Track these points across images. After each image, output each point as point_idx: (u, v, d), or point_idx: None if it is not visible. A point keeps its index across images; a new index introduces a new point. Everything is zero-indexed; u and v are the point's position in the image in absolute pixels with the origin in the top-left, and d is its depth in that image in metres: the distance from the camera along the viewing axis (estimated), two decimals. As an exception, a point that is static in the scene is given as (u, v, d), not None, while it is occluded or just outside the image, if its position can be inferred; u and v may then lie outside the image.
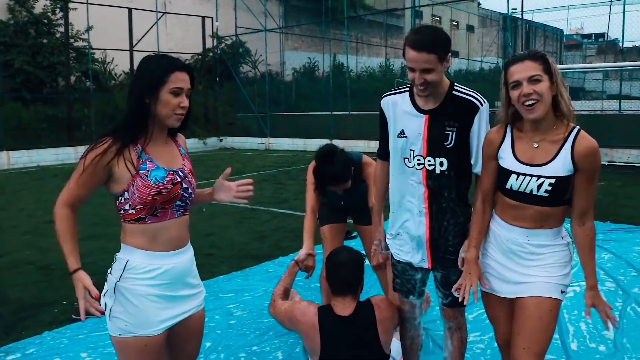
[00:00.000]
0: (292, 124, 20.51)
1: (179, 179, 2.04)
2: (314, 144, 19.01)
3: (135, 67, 18.32)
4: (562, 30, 43.09)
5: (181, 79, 1.98)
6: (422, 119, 2.40)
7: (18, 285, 5.03)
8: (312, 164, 3.52)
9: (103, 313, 2.00)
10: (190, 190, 2.11)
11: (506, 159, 2.21)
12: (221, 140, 21.43)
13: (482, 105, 2.36)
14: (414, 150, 2.44)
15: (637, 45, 31.12)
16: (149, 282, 2.00)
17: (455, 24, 39.64)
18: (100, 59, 19.96)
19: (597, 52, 37.44)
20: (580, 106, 18.59)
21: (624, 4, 17.06)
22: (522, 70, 2.10)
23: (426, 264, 2.55)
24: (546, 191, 2.12)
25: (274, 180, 11.74)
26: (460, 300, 2.35)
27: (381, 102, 2.56)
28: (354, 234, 5.88)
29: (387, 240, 2.76)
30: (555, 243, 2.23)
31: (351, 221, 3.92)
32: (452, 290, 2.41)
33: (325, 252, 3.63)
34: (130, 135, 1.96)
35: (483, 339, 3.62)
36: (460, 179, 2.44)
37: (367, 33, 31.29)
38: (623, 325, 3.76)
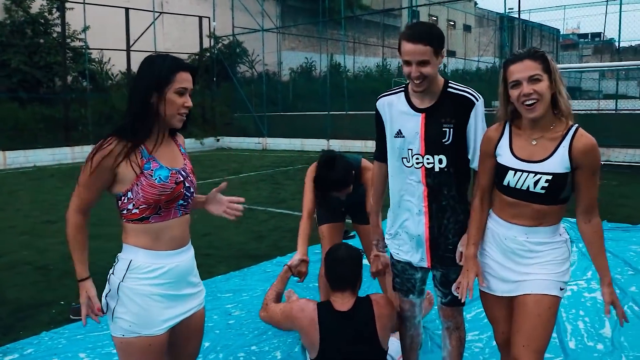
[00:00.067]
0: (290, 124, 20.51)
1: (181, 178, 2.05)
2: (311, 144, 19.03)
3: (132, 67, 18.41)
4: (558, 30, 43.21)
5: (186, 79, 1.99)
6: (419, 118, 2.41)
7: (16, 285, 5.02)
8: (312, 167, 3.52)
9: (102, 314, 2.02)
10: (192, 190, 2.12)
11: (504, 156, 2.23)
12: (218, 140, 21.40)
13: (477, 100, 2.38)
14: (412, 150, 2.44)
15: (633, 45, 31.22)
16: (153, 281, 2.00)
17: (452, 23, 39.69)
18: (97, 59, 19.91)
19: (594, 52, 37.57)
20: (576, 106, 18.62)
21: (620, 4, 17.12)
22: (522, 70, 2.11)
23: (426, 263, 2.55)
24: (543, 188, 2.13)
25: (272, 180, 11.74)
26: (460, 299, 2.36)
27: (377, 104, 2.58)
28: (352, 233, 5.88)
29: (386, 240, 2.76)
30: (553, 240, 2.24)
31: (349, 221, 3.92)
32: (452, 288, 2.42)
33: (324, 251, 3.64)
34: (135, 135, 1.96)
35: (481, 337, 3.63)
36: (459, 175, 2.46)
37: (364, 33, 31.30)
38: (621, 323, 3.77)
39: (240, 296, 4.57)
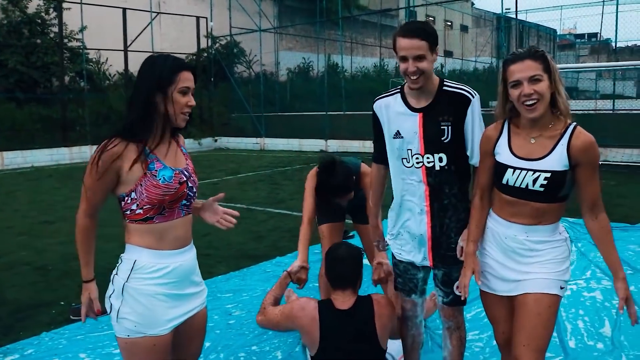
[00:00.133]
0: (287, 124, 20.51)
1: (184, 179, 2.05)
2: (309, 144, 19.03)
3: (129, 67, 18.36)
4: (555, 30, 43.33)
5: (188, 78, 2.00)
6: (416, 117, 2.42)
7: (14, 286, 5.01)
8: (312, 173, 3.50)
9: (101, 315, 2.05)
10: (194, 190, 2.12)
11: (502, 154, 2.24)
12: (216, 140, 21.39)
13: (473, 97, 2.40)
14: (411, 150, 2.45)
15: (629, 45, 31.32)
16: (158, 281, 2.00)
17: (449, 24, 39.76)
18: (94, 59, 19.88)
19: (590, 52, 37.65)
20: (574, 106, 18.52)
21: (617, 4, 17.17)
22: (522, 70, 2.12)
23: (428, 263, 2.56)
24: (542, 185, 2.13)
25: (270, 181, 11.74)
26: (462, 297, 2.36)
27: (374, 106, 2.59)
28: (351, 233, 5.89)
29: (387, 241, 2.77)
30: (553, 239, 2.24)
31: (349, 221, 3.93)
32: (454, 287, 2.42)
33: (324, 251, 3.64)
34: (138, 135, 1.96)
35: (482, 337, 3.63)
36: (460, 173, 2.47)
37: (362, 33, 31.33)
38: (620, 322, 3.78)
39: (240, 296, 4.57)
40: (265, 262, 5.60)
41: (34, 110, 17.13)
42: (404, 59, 2.31)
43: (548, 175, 2.12)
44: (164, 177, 1.97)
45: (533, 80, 2.10)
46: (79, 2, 17.73)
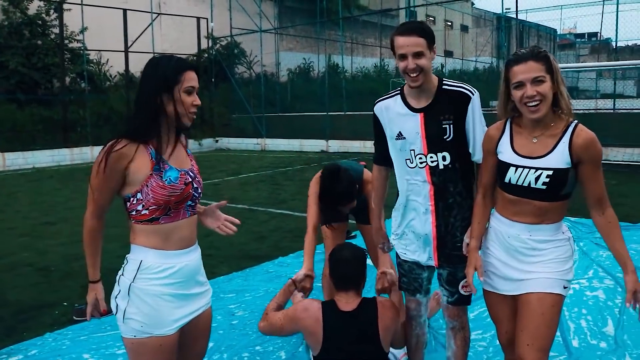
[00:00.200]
0: (288, 124, 20.52)
1: (190, 179, 2.06)
2: (310, 144, 19.04)
3: (130, 68, 18.37)
4: (555, 30, 43.38)
5: (193, 78, 2.01)
6: (418, 117, 2.43)
7: (17, 287, 5.01)
8: (315, 180, 3.49)
9: (104, 315, 2.07)
10: (200, 190, 2.13)
11: (505, 153, 2.24)
12: (217, 141, 21.41)
13: (473, 94, 2.41)
14: (414, 150, 2.46)
15: (629, 45, 31.31)
16: (163, 281, 2.00)
17: (450, 24, 39.77)
18: (95, 60, 19.89)
19: (590, 52, 37.65)
20: (574, 105, 18.32)
21: (617, 4, 17.16)
22: (525, 71, 2.12)
23: (433, 262, 2.56)
24: (544, 183, 2.14)
25: (271, 181, 11.74)
26: (473, 293, 2.36)
27: (374, 109, 2.60)
28: (353, 233, 5.90)
29: (391, 241, 2.77)
30: (556, 238, 2.24)
31: (352, 221, 3.92)
32: (460, 287, 2.43)
33: (327, 251, 3.64)
34: (145, 136, 1.96)
35: (485, 336, 3.64)
36: (463, 171, 2.48)
37: (362, 33, 31.34)
38: (623, 322, 3.79)
39: (243, 296, 4.58)
40: (268, 262, 5.60)
41: (35, 112, 17.16)
42: (403, 57, 2.32)
43: (550, 173, 2.13)
44: (170, 178, 1.97)
45: (536, 81, 2.11)
46: (80, 3, 17.75)
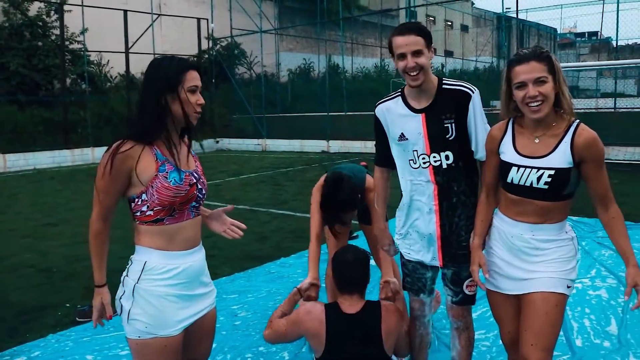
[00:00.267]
0: (289, 125, 20.53)
1: (194, 180, 2.06)
2: (310, 144, 19.04)
3: (130, 69, 18.36)
4: (555, 29, 43.37)
5: (195, 77, 2.02)
6: (419, 118, 2.44)
7: (19, 288, 5.01)
8: (317, 188, 3.48)
9: (110, 319, 2.08)
10: (204, 191, 2.13)
11: (507, 153, 2.25)
12: (217, 142, 21.41)
13: (473, 92, 2.41)
14: (417, 150, 2.46)
15: (630, 44, 31.28)
16: (168, 282, 2.00)
17: (450, 24, 39.77)
18: (95, 61, 19.92)
19: (591, 51, 37.62)
20: (575, 104, 18.57)
21: (617, 3, 17.14)
22: (527, 72, 2.12)
23: (437, 262, 2.56)
24: (546, 183, 2.14)
25: (272, 182, 11.74)
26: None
27: (375, 111, 2.60)
28: (355, 234, 5.90)
29: (395, 241, 2.77)
30: (559, 238, 2.24)
31: (354, 222, 3.92)
32: (464, 287, 2.43)
33: (330, 251, 3.64)
34: (149, 137, 1.96)
35: (488, 336, 3.63)
36: (467, 169, 2.48)
37: (362, 34, 31.35)
38: (627, 321, 3.78)
39: (245, 297, 4.58)
40: (270, 262, 5.60)
41: (36, 113, 17.18)
42: (402, 56, 2.33)
43: (552, 172, 2.13)
44: (174, 179, 1.97)
45: (538, 82, 2.11)
46: (80, 4, 17.76)
